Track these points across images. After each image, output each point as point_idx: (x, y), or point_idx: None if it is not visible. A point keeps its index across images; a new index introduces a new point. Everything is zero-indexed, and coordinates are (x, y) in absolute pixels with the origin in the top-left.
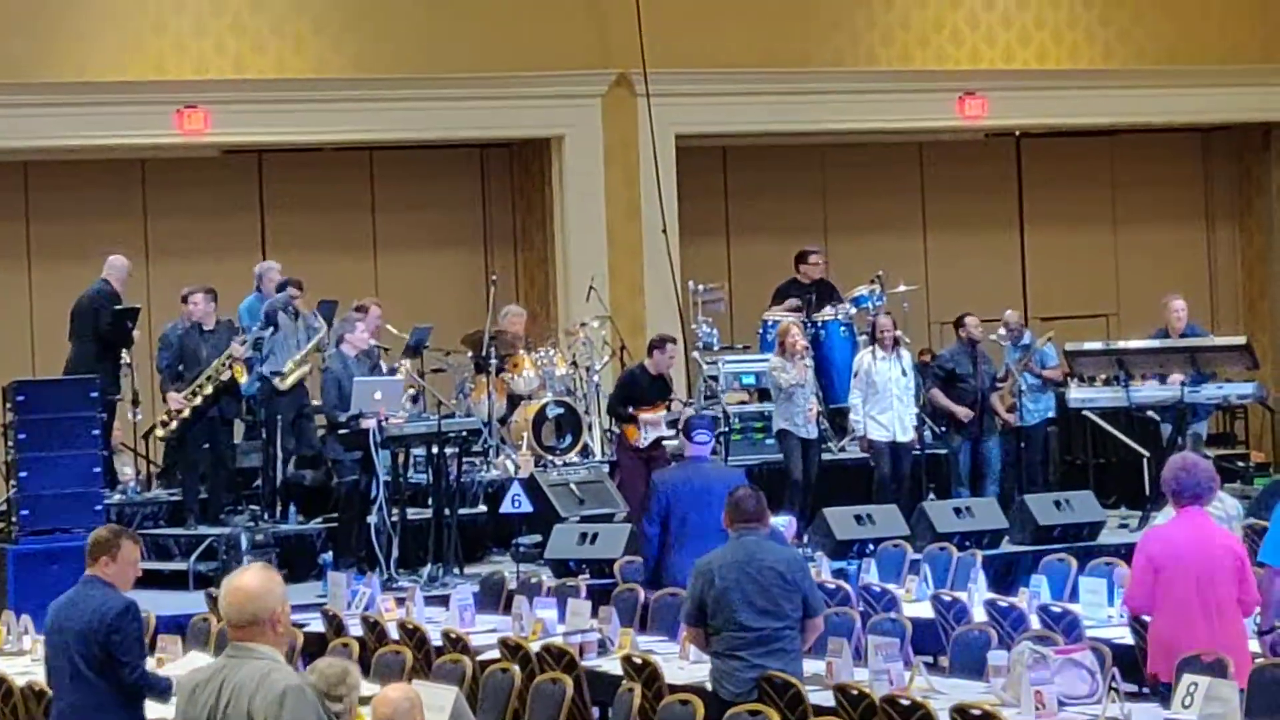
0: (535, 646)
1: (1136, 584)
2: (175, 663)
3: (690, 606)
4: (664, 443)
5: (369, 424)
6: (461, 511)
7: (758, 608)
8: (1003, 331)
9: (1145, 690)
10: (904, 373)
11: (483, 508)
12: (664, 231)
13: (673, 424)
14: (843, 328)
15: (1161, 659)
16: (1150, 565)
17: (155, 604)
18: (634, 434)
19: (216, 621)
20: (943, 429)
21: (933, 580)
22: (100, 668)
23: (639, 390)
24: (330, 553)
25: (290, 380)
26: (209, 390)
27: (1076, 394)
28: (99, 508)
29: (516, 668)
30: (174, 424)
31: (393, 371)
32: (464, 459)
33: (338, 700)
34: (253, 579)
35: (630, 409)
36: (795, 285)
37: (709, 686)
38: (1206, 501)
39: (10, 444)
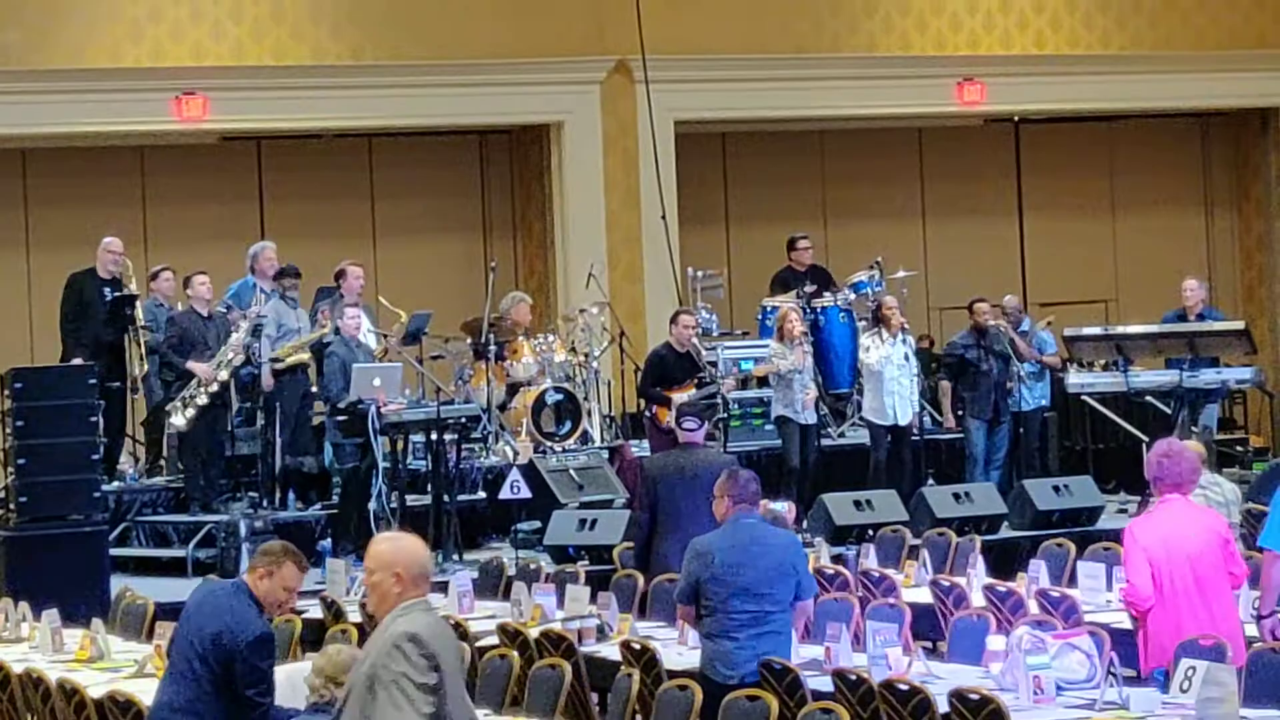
0: (534, 632)
1: (1139, 576)
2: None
3: (684, 585)
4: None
5: (368, 409)
6: (461, 498)
7: (754, 590)
8: (1003, 317)
9: (1143, 675)
10: (907, 357)
11: (482, 494)
12: (663, 218)
13: (707, 399)
14: (842, 313)
15: (1164, 653)
16: (1146, 557)
17: (154, 590)
18: (665, 415)
19: None
20: (959, 413)
21: (931, 565)
22: (214, 680)
23: (667, 369)
24: (329, 539)
25: (284, 365)
26: (224, 375)
27: (1075, 379)
28: (97, 495)
29: (515, 653)
30: (191, 409)
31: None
32: (463, 445)
33: (342, 686)
34: None
35: (661, 390)
36: (790, 273)
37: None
38: (1188, 490)
39: (8, 431)
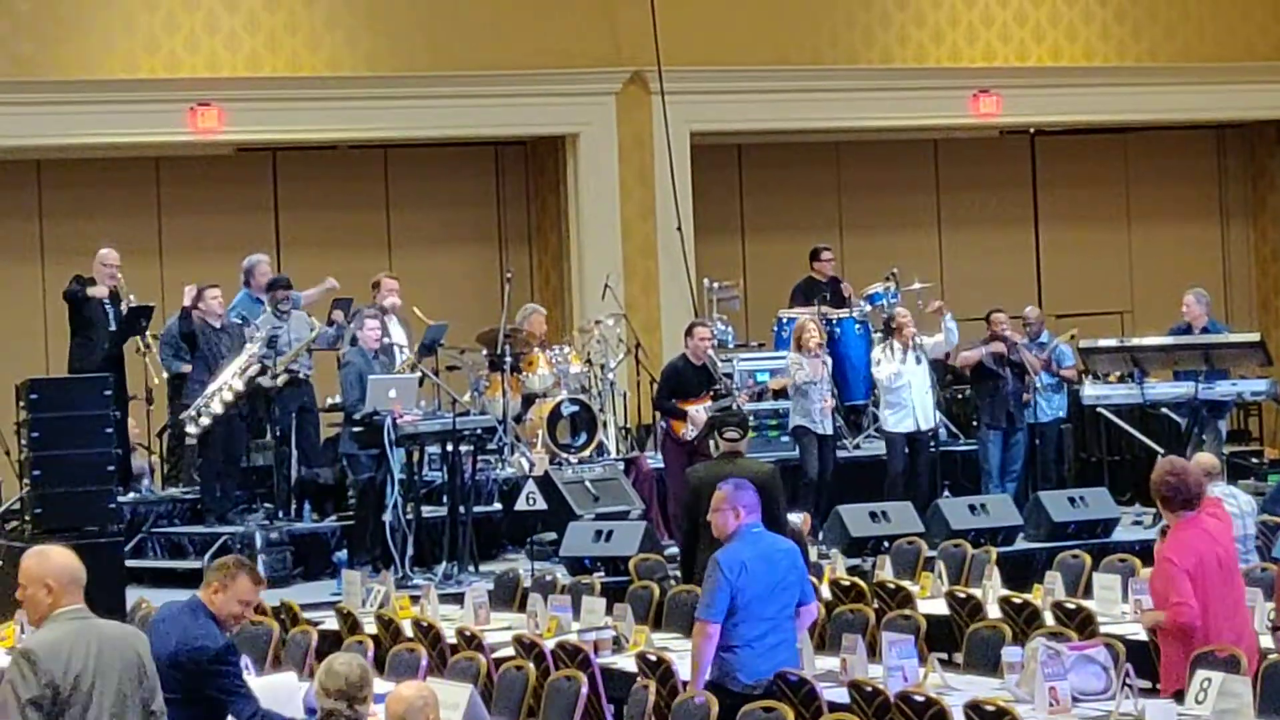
0: (550, 644)
1: (1189, 597)
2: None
3: (721, 599)
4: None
5: (384, 420)
6: (476, 509)
7: (777, 598)
8: (1023, 328)
9: (1158, 687)
10: (918, 360)
11: (498, 505)
12: (679, 229)
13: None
14: (858, 325)
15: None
16: (1189, 579)
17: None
18: (680, 428)
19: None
20: (975, 423)
21: (947, 577)
22: (184, 693)
23: (683, 382)
24: (345, 551)
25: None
26: (239, 387)
27: (1091, 391)
28: (113, 506)
29: (531, 665)
30: (206, 418)
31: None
32: (479, 457)
33: (363, 702)
34: None
35: (675, 402)
36: (812, 283)
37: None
38: (1198, 505)
39: (24, 442)
